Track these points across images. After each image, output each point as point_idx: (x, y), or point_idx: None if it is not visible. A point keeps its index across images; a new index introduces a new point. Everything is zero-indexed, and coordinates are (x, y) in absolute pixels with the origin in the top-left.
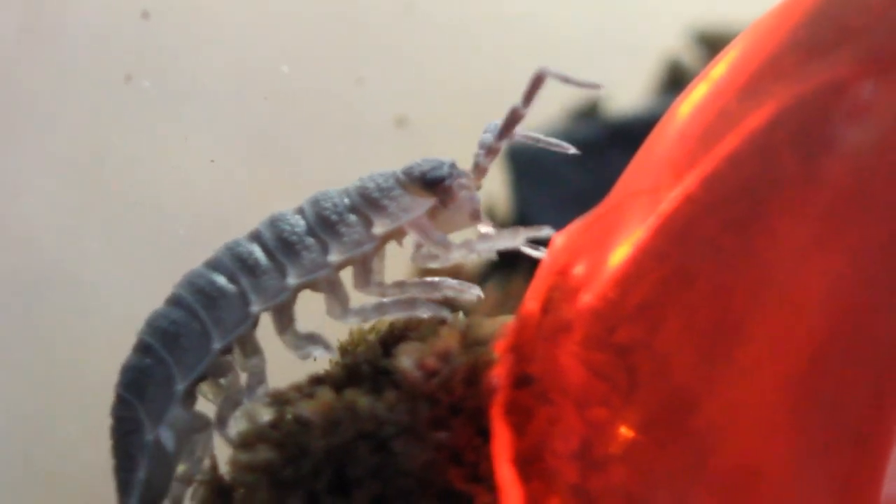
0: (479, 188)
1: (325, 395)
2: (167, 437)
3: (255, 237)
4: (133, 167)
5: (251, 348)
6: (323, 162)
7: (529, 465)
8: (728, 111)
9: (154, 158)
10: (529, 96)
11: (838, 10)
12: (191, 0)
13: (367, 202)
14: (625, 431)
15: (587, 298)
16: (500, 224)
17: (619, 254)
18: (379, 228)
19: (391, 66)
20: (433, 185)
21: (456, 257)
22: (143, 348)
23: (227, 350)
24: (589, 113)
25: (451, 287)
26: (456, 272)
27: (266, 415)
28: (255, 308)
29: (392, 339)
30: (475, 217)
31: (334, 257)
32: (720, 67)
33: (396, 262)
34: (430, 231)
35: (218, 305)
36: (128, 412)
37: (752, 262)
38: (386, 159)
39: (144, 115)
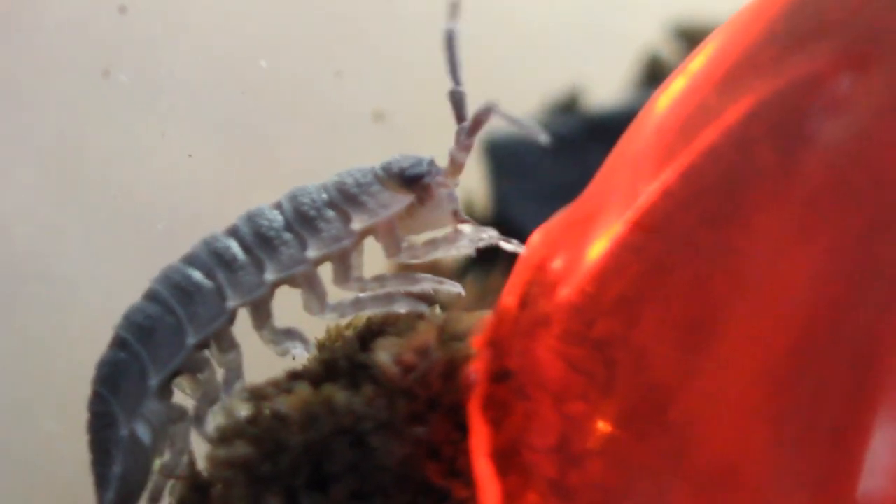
0: (456, 185)
1: (303, 390)
2: (142, 432)
3: (233, 232)
4: (111, 161)
5: (227, 344)
6: (301, 156)
7: (507, 459)
8: (706, 105)
9: (132, 153)
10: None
11: (816, 3)
12: None
13: (346, 198)
14: (603, 426)
15: (565, 293)
16: (479, 219)
17: (597, 248)
18: (357, 224)
19: (370, 61)
20: (412, 182)
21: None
22: (118, 343)
23: (204, 345)
24: (568, 107)
25: (432, 282)
26: (434, 267)
27: (244, 410)
28: (231, 303)
29: (370, 334)
30: (454, 215)
31: (312, 252)
32: (698, 61)
33: (378, 257)
34: (397, 237)
35: (194, 300)
36: (103, 407)
37: (729, 256)
38: (364, 154)
39: (122, 110)
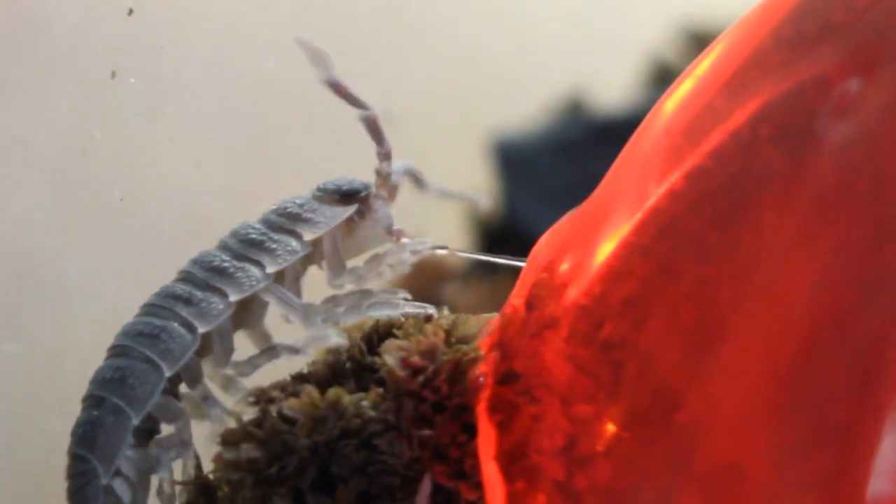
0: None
1: (310, 392)
2: (119, 485)
3: (184, 278)
4: (118, 165)
5: (197, 376)
6: (309, 159)
7: (514, 462)
8: (713, 107)
9: (139, 156)
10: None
11: (822, 6)
12: None
13: (290, 218)
14: (610, 428)
15: (573, 294)
16: (486, 221)
17: (606, 250)
18: (308, 236)
19: (377, 63)
20: (350, 196)
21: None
22: (92, 403)
23: (174, 389)
24: (574, 109)
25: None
26: (438, 269)
27: (249, 413)
28: (201, 329)
29: (377, 336)
30: (390, 231)
31: (271, 269)
32: (705, 64)
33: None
34: (341, 256)
35: (162, 340)
36: (82, 466)
37: (736, 258)
38: (371, 157)
39: (130, 113)
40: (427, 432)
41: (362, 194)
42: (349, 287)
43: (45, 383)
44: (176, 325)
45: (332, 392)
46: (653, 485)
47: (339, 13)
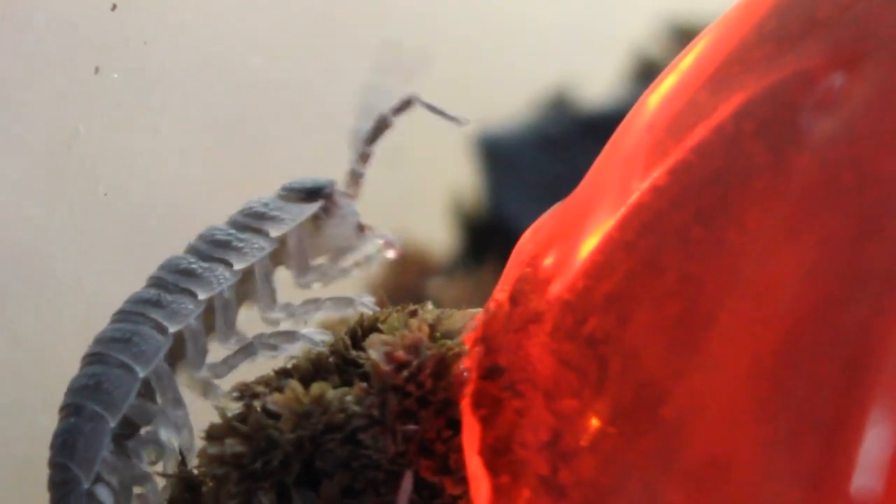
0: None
1: (294, 387)
2: (102, 491)
3: (154, 283)
4: (102, 159)
5: (169, 384)
6: (293, 153)
7: (499, 456)
8: (696, 102)
9: (124, 150)
10: (397, 112)
11: (807, 1)
12: None
13: (255, 217)
14: (595, 423)
15: (557, 289)
16: (470, 216)
17: (589, 245)
18: (274, 233)
19: (362, 57)
20: (314, 193)
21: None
22: (69, 411)
23: (151, 392)
24: (559, 104)
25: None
26: (422, 264)
27: (234, 408)
28: (171, 329)
29: (361, 330)
30: (359, 228)
31: (239, 266)
32: (689, 58)
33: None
34: (307, 254)
35: (133, 343)
36: (63, 475)
37: (721, 253)
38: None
39: (113, 107)
40: (411, 427)
41: (326, 191)
42: (316, 286)
43: (30, 378)
44: (147, 327)
45: (316, 387)
46: (638, 479)
47: (324, 8)
